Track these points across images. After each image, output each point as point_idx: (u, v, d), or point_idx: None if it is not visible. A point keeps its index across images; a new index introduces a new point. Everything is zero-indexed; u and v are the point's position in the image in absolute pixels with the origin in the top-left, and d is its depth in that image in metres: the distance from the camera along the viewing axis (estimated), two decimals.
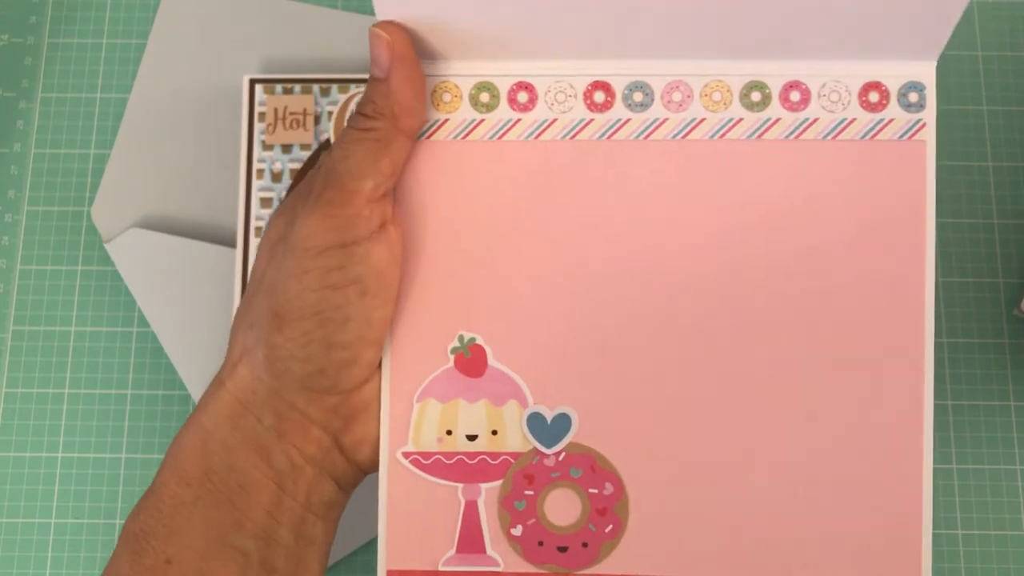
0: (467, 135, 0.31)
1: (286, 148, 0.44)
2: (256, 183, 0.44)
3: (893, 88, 0.31)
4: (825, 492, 0.31)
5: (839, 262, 0.31)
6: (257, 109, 0.44)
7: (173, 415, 0.44)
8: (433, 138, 0.31)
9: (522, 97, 0.31)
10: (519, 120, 0.31)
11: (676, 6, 0.29)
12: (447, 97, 0.31)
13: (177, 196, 0.45)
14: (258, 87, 0.45)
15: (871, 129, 0.31)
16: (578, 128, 0.31)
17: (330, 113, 0.44)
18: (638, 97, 0.31)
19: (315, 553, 0.31)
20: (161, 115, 0.46)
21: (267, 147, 0.44)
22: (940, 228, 0.46)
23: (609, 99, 0.31)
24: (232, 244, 0.44)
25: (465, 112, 0.31)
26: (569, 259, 0.31)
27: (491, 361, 0.31)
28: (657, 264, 0.31)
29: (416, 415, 0.31)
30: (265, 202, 0.44)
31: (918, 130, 0.31)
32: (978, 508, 0.43)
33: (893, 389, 0.31)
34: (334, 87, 0.45)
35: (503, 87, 0.31)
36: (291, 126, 0.44)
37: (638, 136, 0.31)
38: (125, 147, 0.46)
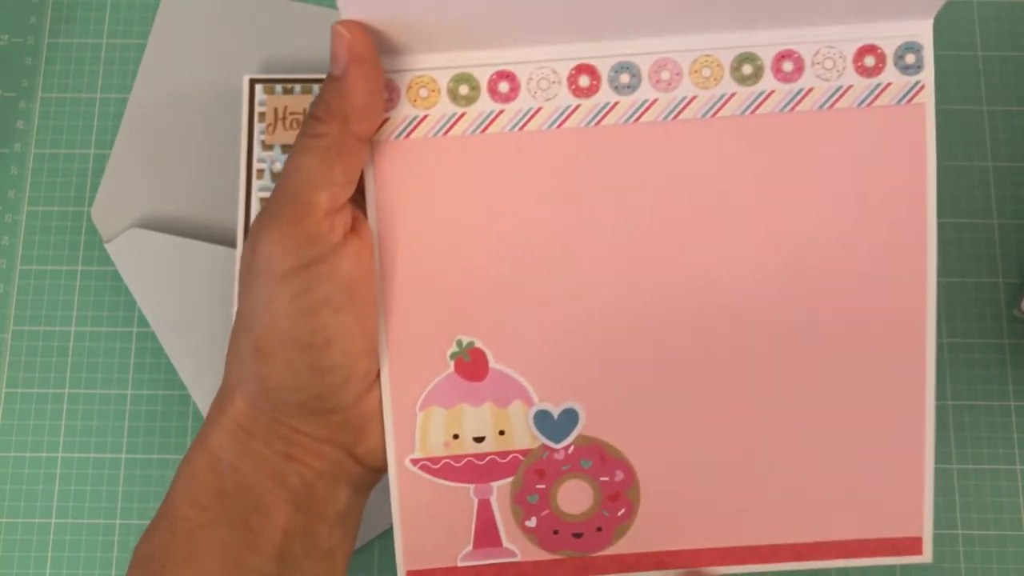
0: (448, 130, 0.30)
1: (286, 148, 0.44)
2: (256, 183, 0.44)
3: (889, 50, 0.30)
4: (828, 465, 0.31)
5: (840, 235, 0.30)
6: (257, 109, 0.44)
7: (173, 415, 0.44)
8: (412, 136, 0.30)
9: (503, 87, 0.30)
10: (502, 111, 0.30)
11: None
12: (424, 92, 0.30)
13: (177, 196, 0.45)
14: (258, 87, 0.44)
15: (868, 95, 0.30)
16: (564, 116, 0.30)
17: None
18: (625, 79, 0.30)
19: (333, 563, 0.31)
20: (161, 115, 0.46)
21: (267, 147, 0.44)
22: (940, 228, 0.46)
23: (595, 83, 0.30)
24: (232, 244, 0.44)
25: (445, 107, 0.30)
26: (563, 253, 0.30)
27: (492, 363, 0.31)
28: (654, 251, 0.30)
29: (421, 423, 0.31)
30: (265, 202, 0.44)
31: (916, 92, 0.30)
32: (978, 508, 0.43)
33: (896, 365, 0.30)
34: None
35: (483, 77, 0.30)
36: (291, 126, 0.44)
37: (627, 120, 0.30)
38: (125, 147, 0.46)
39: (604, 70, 0.30)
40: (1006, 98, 0.47)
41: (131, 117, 0.46)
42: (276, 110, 0.44)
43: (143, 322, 0.45)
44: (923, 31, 0.30)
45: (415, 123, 0.30)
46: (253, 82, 0.45)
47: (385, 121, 0.30)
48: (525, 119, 0.30)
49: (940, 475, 0.43)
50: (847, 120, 0.30)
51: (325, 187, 0.28)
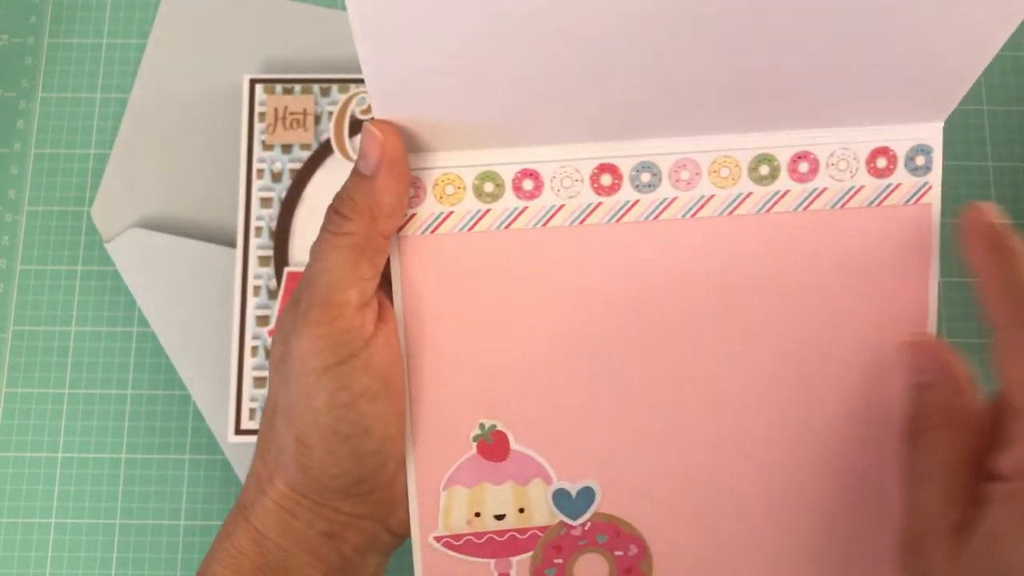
0: (474, 226, 0.30)
1: (286, 148, 0.44)
2: (256, 183, 0.44)
3: (900, 152, 0.31)
4: (839, 547, 0.31)
5: (848, 328, 0.31)
6: (257, 109, 0.44)
7: (173, 415, 0.44)
8: (439, 231, 0.30)
9: (527, 184, 0.30)
10: (526, 208, 0.31)
11: (680, 85, 0.28)
12: (450, 189, 0.30)
13: (177, 196, 0.45)
14: (258, 87, 0.45)
15: (879, 195, 0.31)
16: (586, 213, 0.31)
17: (330, 113, 0.44)
18: (645, 178, 0.30)
19: None
20: (161, 115, 0.46)
21: (267, 147, 0.44)
22: (940, 228, 0.46)
23: (616, 181, 0.30)
24: (232, 244, 0.44)
25: (470, 203, 0.30)
26: (581, 341, 0.31)
27: (513, 444, 0.31)
28: (667, 341, 0.31)
29: (444, 502, 0.31)
30: (265, 202, 0.44)
31: (924, 193, 0.31)
32: None
33: (895, 451, 0.31)
34: (334, 87, 0.45)
35: (507, 175, 0.30)
36: (291, 126, 0.44)
37: (647, 217, 0.31)
38: (125, 147, 0.46)
39: (625, 169, 0.30)
40: (1006, 98, 0.47)
41: (131, 117, 0.46)
42: (276, 110, 0.44)
43: (143, 322, 0.45)
44: (934, 134, 0.31)
45: (441, 219, 0.30)
46: (253, 82, 0.45)
47: (412, 217, 0.30)
48: (549, 216, 0.31)
49: None
50: (857, 218, 0.31)
51: (354, 284, 0.29)
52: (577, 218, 0.31)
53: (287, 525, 0.30)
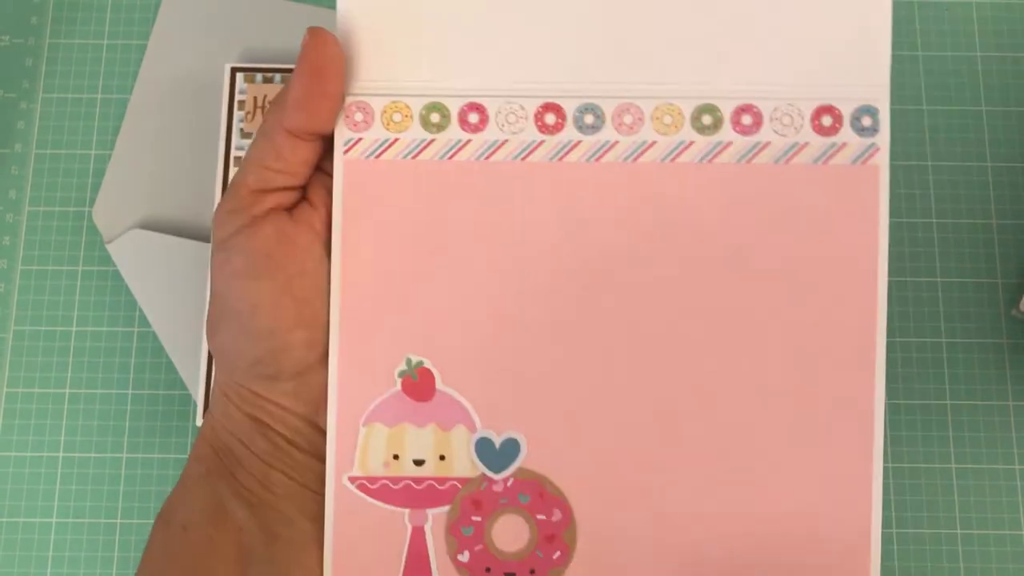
0: (418, 155, 0.31)
1: None
2: (234, 170, 0.44)
3: (846, 111, 0.31)
4: (778, 520, 0.31)
5: (791, 287, 0.31)
6: (237, 97, 0.45)
7: (173, 415, 0.44)
8: (383, 157, 0.31)
9: (473, 118, 0.31)
10: (470, 141, 0.31)
11: (623, 26, 0.30)
12: (397, 117, 0.31)
13: (178, 197, 0.45)
14: (239, 75, 0.45)
15: (824, 153, 0.31)
16: (529, 150, 0.31)
17: None
18: (589, 119, 0.31)
19: (316, 527, 0.31)
20: (162, 116, 0.46)
21: (245, 135, 0.44)
22: (939, 228, 0.46)
23: (560, 121, 0.31)
24: None
25: (415, 132, 0.31)
26: (519, 282, 0.31)
27: (439, 385, 0.31)
28: (608, 288, 0.31)
29: (362, 439, 0.31)
30: None
31: (871, 155, 0.31)
32: (977, 508, 0.43)
33: (844, 416, 0.31)
34: None
35: (454, 107, 0.31)
36: None
37: (589, 159, 0.31)
38: (126, 147, 0.46)
39: (569, 110, 0.31)
40: (1005, 98, 0.47)
41: (132, 117, 0.46)
42: (256, 99, 0.44)
43: (143, 322, 0.45)
44: (881, 95, 0.31)
45: (386, 145, 0.31)
46: (235, 71, 0.45)
47: (357, 141, 0.31)
48: (492, 150, 0.31)
49: (940, 475, 0.43)
50: (802, 175, 0.31)
51: (253, 170, 0.30)
52: (520, 154, 0.31)
53: (225, 408, 0.32)
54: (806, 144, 0.31)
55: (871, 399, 0.31)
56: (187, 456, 0.43)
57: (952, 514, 0.43)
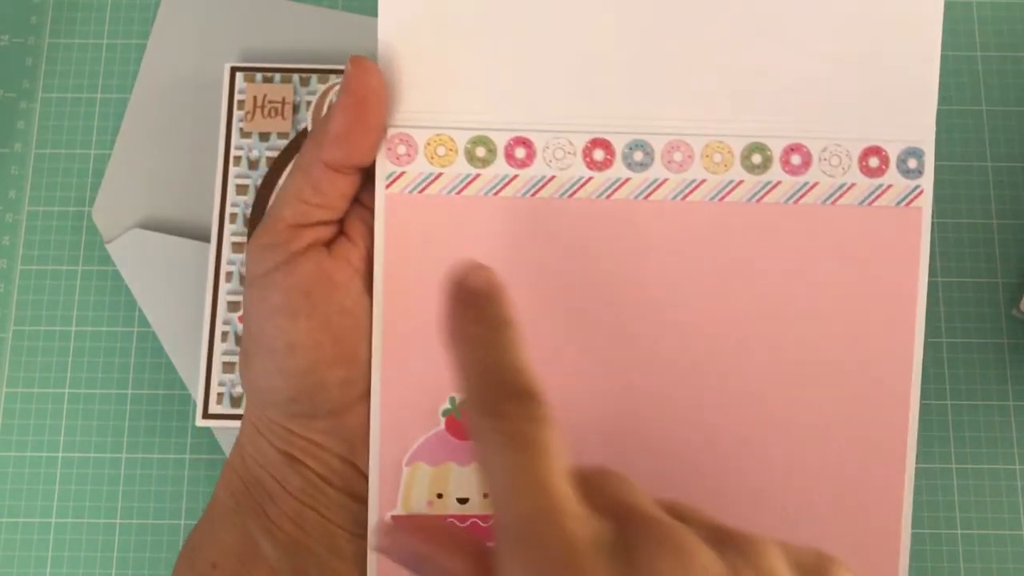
0: (463, 190, 0.30)
1: (264, 136, 0.44)
2: (233, 170, 0.44)
3: (893, 153, 0.31)
4: (811, 497, 0.31)
5: (831, 328, 0.31)
6: (237, 97, 0.44)
7: (173, 415, 0.44)
8: (426, 192, 0.30)
9: (520, 152, 0.30)
10: (516, 176, 0.30)
11: (680, 62, 0.29)
12: (442, 151, 0.30)
13: (178, 197, 0.45)
14: (239, 75, 0.45)
15: (870, 195, 0.31)
16: (577, 186, 0.30)
17: (309, 103, 0.45)
18: (638, 156, 0.30)
19: (348, 567, 0.31)
20: (162, 115, 0.46)
21: (245, 134, 0.44)
22: (940, 228, 0.46)
23: (609, 157, 0.30)
24: None
25: (460, 166, 0.30)
26: (565, 320, 0.30)
27: None
28: (653, 325, 0.31)
29: (406, 479, 0.30)
30: (241, 189, 0.44)
31: (915, 197, 0.31)
32: (978, 508, 0.43)
33: (877, 448, 0.31)
34: (313, 77, 0.45)
35: (500, 141, 0.30)
36: (270, 114, 0.44)
37: (637, 196, 0.30)
38: (126, 147, 0.46)
39: (619, 146, 0.30)
40: (1006, 98, 0.47)
41: (131, 117, 0.46)
42: (255, 98, 0.44)
43: (143, 322, 0.45)
44: (926, 137, 0.31)
45: (430, 179, 0.30)
46: (234, 70, 0.45)
47: (400, 175, 0.30)
48: (539, 186, 0.30)
49: (940, 475, 0.43)
50: (848, 216, 0.31)
51: (290, 204, 0.30)
52: (567, 191, 0.30)
53: (256, 441, 0.31)
54: (853, 185, 0.31)
55: (904, 443, 0.31)
56: (186, 456, 0.43)
57: (952, 514, 0.43)
